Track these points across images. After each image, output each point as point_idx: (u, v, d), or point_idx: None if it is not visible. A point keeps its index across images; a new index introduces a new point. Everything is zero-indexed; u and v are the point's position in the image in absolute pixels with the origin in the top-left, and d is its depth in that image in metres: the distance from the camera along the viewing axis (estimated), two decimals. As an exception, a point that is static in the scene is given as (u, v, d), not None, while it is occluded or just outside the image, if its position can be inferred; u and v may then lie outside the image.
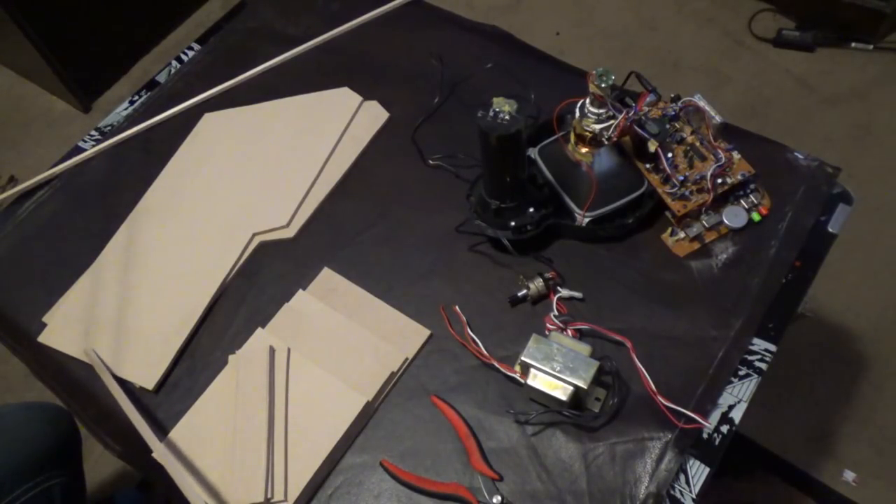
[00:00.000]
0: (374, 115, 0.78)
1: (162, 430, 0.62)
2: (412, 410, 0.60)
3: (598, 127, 0.59)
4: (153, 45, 1.80)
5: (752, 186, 0.65)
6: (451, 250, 0.67)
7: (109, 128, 0.85)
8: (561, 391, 0.54)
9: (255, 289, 0.68)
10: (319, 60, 0.85)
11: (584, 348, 0.56)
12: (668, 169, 0.61)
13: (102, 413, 0.64)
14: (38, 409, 0.79)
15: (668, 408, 0.55)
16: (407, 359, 0.62)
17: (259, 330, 0.65)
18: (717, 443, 0.55)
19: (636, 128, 0.60)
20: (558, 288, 0.63)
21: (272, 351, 0.63)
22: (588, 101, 0.58)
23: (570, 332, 0.59)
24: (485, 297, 0.64)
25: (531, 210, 0.63)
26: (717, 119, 0.64)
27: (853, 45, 1.45)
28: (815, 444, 1.07)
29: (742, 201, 0.64)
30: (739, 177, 0.63)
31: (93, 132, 0.85)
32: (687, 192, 0.62)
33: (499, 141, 0.55)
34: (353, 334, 0.63)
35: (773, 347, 0.59)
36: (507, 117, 0.54)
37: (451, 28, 0.85)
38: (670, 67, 1.52)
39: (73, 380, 0.66)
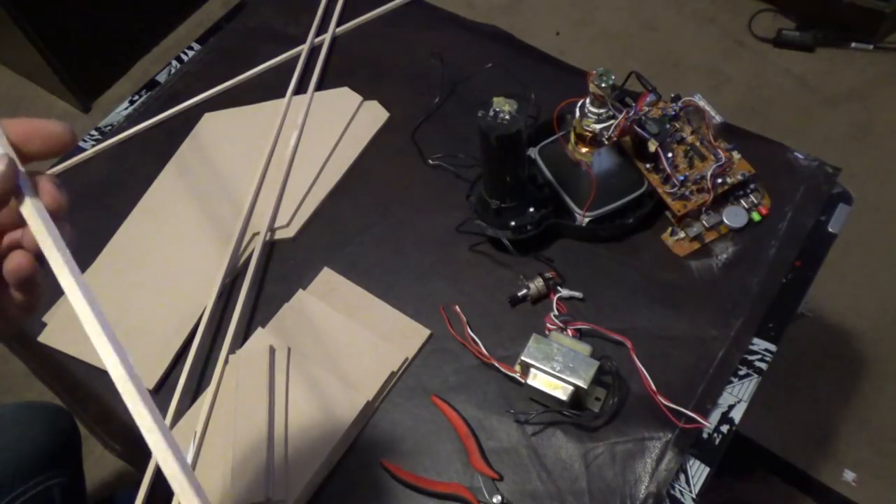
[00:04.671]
0: (374, 115, 0.78)
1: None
2: (412, 410, 0.60)
3: (598, 127, 0.59)
4: (153, 45, 1.80)
5: (752, 186, 0.65)
6: (451, 250, 0.67)
7: (109, 128, 0.85)
8: (561, 391, 0.54)
9: (255, 289, 0.68)
10: (319, 60, 0.85)
11: (584, 348, 0.56)
12: (668, 169, 0.61)
13: (102, 413, 0.64)
14: (38, 409, 0.79)
15: (668, 407, 0.55)
16: (407, 359, 0.62)
17: (259, 330, 0.65)
18: (717, 443, 0.55)
19: (636, 128, 0.60)
20: (558, 288, 0.63)
21: (272, 351, 0.62)
22: (588, 101, 0.58)
23: (570, 332, 0.59)
24: (485, 297, 0.64)
25: (531, 210, 0.63)
26: (717, 119, 0.64)
27: (853, 45, 1.45)
28: (815, 444, 1.07)
29: (742, 201, 0.64)
30: (739, 177, 0.63)
31: (93, 132, 0.85)
32: (687, 192, 0.62)
33: (499, 141, 0.55)
34: (353, 334, 0.63)
35: (773, 347, 0.59)
36: (507, 117, 0.55)
37: (451, 28, 0.85)
38: (670, 67, 1.52)
39: (73, 380, 0.66)
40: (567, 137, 0.63)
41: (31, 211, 0.31)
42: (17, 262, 0.32)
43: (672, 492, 0.54)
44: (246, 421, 0.59)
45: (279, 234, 0.72)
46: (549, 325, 0.60)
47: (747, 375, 0.58)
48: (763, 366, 0.58)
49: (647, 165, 0.63)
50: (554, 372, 0.54)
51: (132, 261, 0.72)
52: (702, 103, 0.64)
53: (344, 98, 0.80)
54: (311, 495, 0.57)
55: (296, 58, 0.85)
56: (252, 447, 0.57)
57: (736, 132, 0.68)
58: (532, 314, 0.63)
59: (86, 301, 0.30)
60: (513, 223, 0.63)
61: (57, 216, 0.32)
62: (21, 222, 0.32)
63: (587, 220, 0.64)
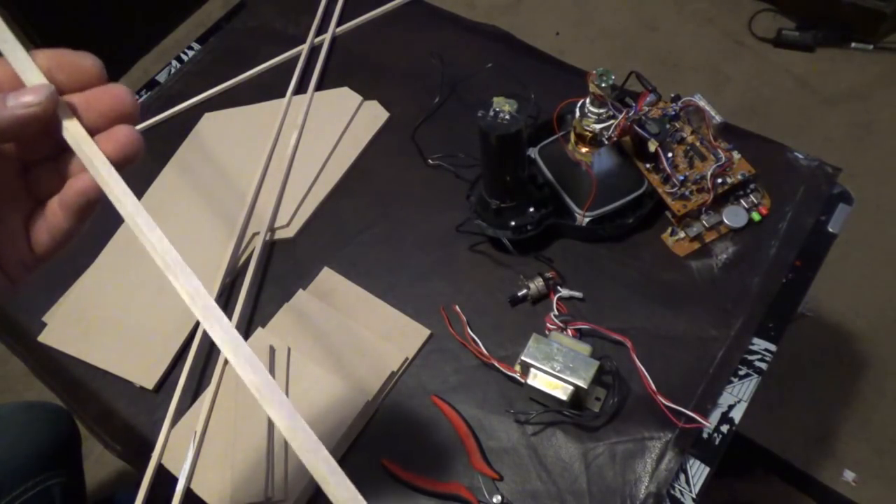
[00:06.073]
0: (374, 115, 0.78)
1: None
2: (412, 410, 0.60)
3: (598, 127, 0.59)
4: (153, 45, 1.80)
5: (752, 186, 0.65)
6: (451, 250, 0.67)
7: (109, 128, 0.85)
8: (561, 391, 0.54)
9: (255, 289, 0.68)
10: (319, 60, 0.85)
11: (584, 348, 0.56)
12: (668, 169, 0.61)
13: (102, 413, 0.64)
14: (38, 409, 0.79)
15: (668, 407, 0.55)
16: (407, 359, 0.62)
17: (259, 330, 0.65)
18: (717, 443, 0.55)
19: (636, 128, 0.60)
20: (558, 287, 0.63)
21: (272, 351, 0.62)
22: (588, 100, 0.58)
23: (570, 332, 0.59)
24: (485, 297, 0.64)
25: (531, 210, 0.63)
26: (717, 119, 0.64)
27: (853, 45, 1.45)
28: (815, 444, 1.07)
29: (742, 201, 0.64)
30: (739, 177, 0.63)
31: (93, 132, 0.85)
32: (687, 192, 0.62)
33: (499, 141, 0.55)
34: (353, 334, 0.63)
35: (773, 347, 0.59)
36: (507, 117, 0.55)
37: (451, 28, 0.85)
38: (670, 67, 1.52)
39: (73, 380, 0.67)
40: (567, 137, 0.63)
41: (72, 134, 0.30)
42: (86, 184, 0.31)
43: (672, 492, 0.54)
44: (246, 421, 0.59)
45: (279, 234, 0.72)
46: (549, 325, 0.60)
47: (747, 375, 0.58)
48: (763, 366, 0.58)
49: (647, 165, 0.63)
50: (554, 372, 0.54)
51: (132, 261, 0.72)
52: (702, 103, 0.64)
53: (344, 98, 0.80)
54: (311, 495, 0.57)
55: (296, 58, 0.85)
56: (252, 447, 0.57)
57: (736, 132, 0.68)
58: (532, 314, 0.63)
59: (140, 216, 0.30)
60: (513, 223, 0.63)
61: (130, 122, 0.31)
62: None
63: (587, 220, 0.64)
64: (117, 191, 0.30)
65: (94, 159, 0.30)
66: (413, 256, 0.68)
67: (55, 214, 0.32)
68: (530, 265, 0.65)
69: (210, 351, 0.65)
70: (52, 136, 0.30)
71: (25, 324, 0.70)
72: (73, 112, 0.30)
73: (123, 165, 0.31)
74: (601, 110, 0.58)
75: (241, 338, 0.29)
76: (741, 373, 0.58)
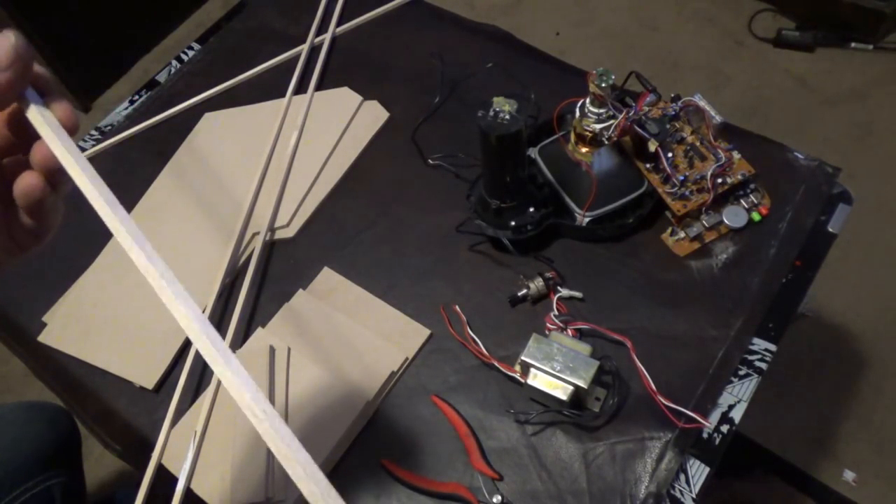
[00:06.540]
0: (374, 115, 0.78)
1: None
2: (412, 410, 0.60)
3: (598, 127, 0.59)
4: (153, 45, 1.80)
5: (752, 186, 0.65)
6: (451, 250, 0.67)
7: (109, 128, 0.85)
8: (561, 391, 0.54)
9: (255, 289, 0.68)
10: (319, 60, 0.85)
11: (584, 348, 0.56)
12: (668, 169, 0.61)
13: (102, 413, 0.64)
14: (39, 409, 0.79)
15: (668, 407, 0.55)
16: (407, 359, 0.62)
17: (259, 330, 0.65)
18: (717, 443, 0.55)
19: (636, 127, 0.60)
20: (558, 287, 0.63)
21: (272, 351, 0.62)
22: (588, 100, 0.58)
23: (570, 332, 0.59)
24: (485, 297, 0.64)
25: (531, 210, 0.63)
26: (717, 119, 0.64)
27: (853, 45, 1.45)
28: (815, 444, 1.07)
29: (742, 201, 0.64)
30: (739, 177, 0.63)
31: (93, 132, 0.85)
32: (687, 192, 0.62)
33: (499, 141, 0.55)
34: (353, 334, 0.63)
35: (773, 347, 0.59)
36: (507, 117, 0.55)
37: (452, 28, 0.85)
38: (670, 67, 1.52)
39: (73, 380, 0.66)
40: (567, 137, 0.63)
41: (39, 118, 0.30)
42: (27, 182, 0.31)
43: (672, 492, 0.54)
44: (246, 421, 0.59)
45: (279, 234, 0.72)
46: (549, 325, 0.60)
47: (747, 375, 0.58)
48: (763, 366, 0.58)
49: (647, 165, 0.63)
50: (554, 372, 0.54)
51: (132, 261, 0.72)
52: (702, 103, 0.64)
53: (344, 98, 0.80)
54: (311, 495, 0.57)
55: (296, 58, 0.85)
56: (252, 447, 0.57)
57: (736, 132, 0.68)
58: (532, 314, 0.63)
59: (109, 207, 0.30)
60: (513, 223, 0.63)
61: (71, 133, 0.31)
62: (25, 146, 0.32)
63: (587, 220, 0.64)
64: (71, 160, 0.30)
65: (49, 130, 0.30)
66: (413, 256, 0.68)
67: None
68: (530, 265, 0.65)
69: (210, 351, 0.65)
70: (20, 119, 0.31)
71: (25, 324, 0.70)
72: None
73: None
74: (601, 110, 0.58)
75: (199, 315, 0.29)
76: (741, 373, 0.58)
